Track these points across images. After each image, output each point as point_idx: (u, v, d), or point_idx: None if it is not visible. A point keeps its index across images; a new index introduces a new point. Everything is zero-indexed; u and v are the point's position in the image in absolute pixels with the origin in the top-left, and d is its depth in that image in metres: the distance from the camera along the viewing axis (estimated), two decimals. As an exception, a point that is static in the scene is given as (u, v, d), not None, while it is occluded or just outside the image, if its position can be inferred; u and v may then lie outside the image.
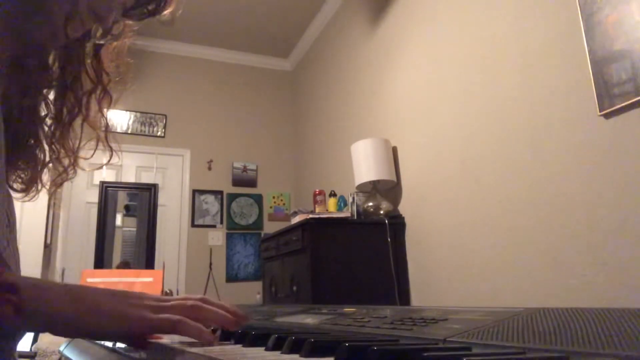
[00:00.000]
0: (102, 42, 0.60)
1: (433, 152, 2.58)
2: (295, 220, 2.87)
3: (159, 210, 4.00)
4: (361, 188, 2.89)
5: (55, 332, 0.48)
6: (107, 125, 0.67)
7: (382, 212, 2.75)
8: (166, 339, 0.56)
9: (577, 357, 0.28)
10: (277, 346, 0.43)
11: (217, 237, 4.40)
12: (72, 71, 0.61)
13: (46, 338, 2.05)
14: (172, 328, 0.50)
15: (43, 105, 0.61)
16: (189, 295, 0.57)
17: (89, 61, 0.62)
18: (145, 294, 0.54)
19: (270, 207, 4.68)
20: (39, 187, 0.63)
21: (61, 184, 0.66)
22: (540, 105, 1.91)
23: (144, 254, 3.74)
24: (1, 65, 0.51)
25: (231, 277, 4.35)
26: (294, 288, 2.69)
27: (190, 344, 0.52)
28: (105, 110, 0.65)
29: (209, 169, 4.54)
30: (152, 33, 4.40)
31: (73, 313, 0.46)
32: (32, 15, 0.51)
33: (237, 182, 4.60)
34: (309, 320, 0.66)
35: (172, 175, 4.46)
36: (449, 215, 2.41)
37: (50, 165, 0.63)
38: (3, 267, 0.43)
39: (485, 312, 0.46)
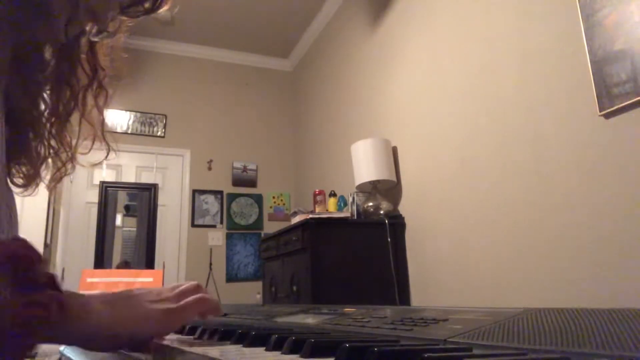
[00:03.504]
0: (97, 39, 0.61)
1: (433, 152, 2.58)
2: (295, 220, 2.87)
3: (159, 210, 3.99)
4: (361, 188, 2.89)
5: (94, 344, 0.45)
6: (103, 121, 0.67)
7: (382, 212, 2.74)
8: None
9: (578, 357, 0.28)
10: (277, 346, 0.43)
11: (217, 237, 4.40)
12: (68, 66, 0.61)
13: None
14: (198, 308, 0.54)
15: (40, 100, 0.61)
16: (180, 283, 0.58)
17: (84, 56, 0.62)
18: (150, 290, 0.54)
19: (270, 207, 4.68)
20: (38, 182, 0.64)
21: (60, 180, 0.66)
22: (540, 105, 1.91)
23: (144, 254, 3.74)
24: (3, 65, 0.51)
25: (231, 277, 4.35)
26: (294, 288, 2.69)
27: (191, 344, 0.52)
28: (101, 105, 0.65)
29: (209, 169, 4.54)
30: (152, 33, 4.40)
31: (112, 322, 0.45)
32: (34, 17, 0.51)
33: (237, 182, 4.60)
34: (309, 320, 0.66)
35: (172, 175, 4.46)
36: (449, 215, 2.41)
37: (49, 160, 0.63)
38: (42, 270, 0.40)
39: (486, 312, 0.46)
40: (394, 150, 2.92)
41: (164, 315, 0.50)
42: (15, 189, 0.59)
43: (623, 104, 1.55)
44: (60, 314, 0.39)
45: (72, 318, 0.41)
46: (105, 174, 4.09)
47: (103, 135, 0.67)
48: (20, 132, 0.58)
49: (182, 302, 0.52)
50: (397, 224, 2.73)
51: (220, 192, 4.51)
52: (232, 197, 4.54)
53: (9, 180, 0.57)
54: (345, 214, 2.83)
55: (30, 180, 0.62)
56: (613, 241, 1.59)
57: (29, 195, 0.63)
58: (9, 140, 0.53)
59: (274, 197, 4.71)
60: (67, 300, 0.41)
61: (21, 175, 0.61)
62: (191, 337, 0.61)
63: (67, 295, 0.42)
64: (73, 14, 0.52)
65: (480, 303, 2.11)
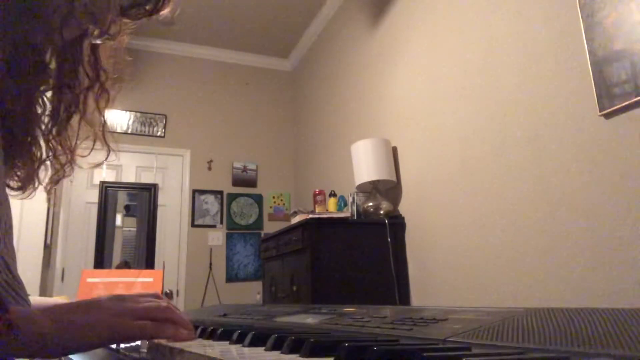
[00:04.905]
0: (98, 41, 0.60)
1: (433, 152, 2.58)
2: (295, 220, 2.87)
3: (159, 210, 3.99)
4: (361, 188, 2.88)
5: (42, 354, 0.46)
6: (104, 123, 0.66)
7: (382, 212, 2.74)
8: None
9: (577, 357, 0.28)
10: (276, 346, 0.43)
11: (217, 237, 4.40)
12: (70, 68, 0.60)
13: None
14: (155, 332, 0.50)
15: (40, 102, 0.61)
16: (145, 293, 0.56)
17: (86, 58, 0.62)
18: (125, 297, 0.53)
19: (270, 207, 4.68)
20: (36, 185, 0.63)
21: (58, 182, 0.66)
22: (540, 105, 1.91)
23: (144, 254, 3.74)
24: None
25: (231, 277, 4.35)
26: (294, 288, 2.69)
27: (191, 344, 0.52)
28: (102, 107, 0.65)
29: (209, 169, 4.54)
30: (152, 33, 4.40)
31: (55, 331, 0.45)
32: (28, 18, 0.51)
33: (237, 182, 4.60)
34: (309, 320, 0.66)
35: (172, 175, 4.46)
36: (449, 215, 2.41)
37: (48, 162, 0.63)
38: None
39: (485, 312, 0.46)
40: (394, 150, 2.92)
41: (116, 327, 0.48)
42: (11, 192, 0.59)
43: (623, 104, 1.55)
44: (4, 325, 0.40)
45: (15, 328, 0.42)
46: (105, 174, 4.09)
47: (104, 136, 0.66)
48: (16, 135, 0.58)
49: (138, 323, 0.49)
50: (397, 224, 2.73)
51: (220, 192, 4.51)
52: (232, 197, 4.54)
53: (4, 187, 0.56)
54: (345, 214, 2.83)
55: (26, 183, 0.61)
56: (613, 241, 1.58)
57: (25, 198, 0.62)
58: (4, 143, 0.53)
59: (274, 197, 4.71)
60: (12, 311, 0.41)
61: (16, 178, 0.61)
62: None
63: (11, 308, 0.43)
64: (68, 15, 0.52)
65: (480, 303, 2.11)
